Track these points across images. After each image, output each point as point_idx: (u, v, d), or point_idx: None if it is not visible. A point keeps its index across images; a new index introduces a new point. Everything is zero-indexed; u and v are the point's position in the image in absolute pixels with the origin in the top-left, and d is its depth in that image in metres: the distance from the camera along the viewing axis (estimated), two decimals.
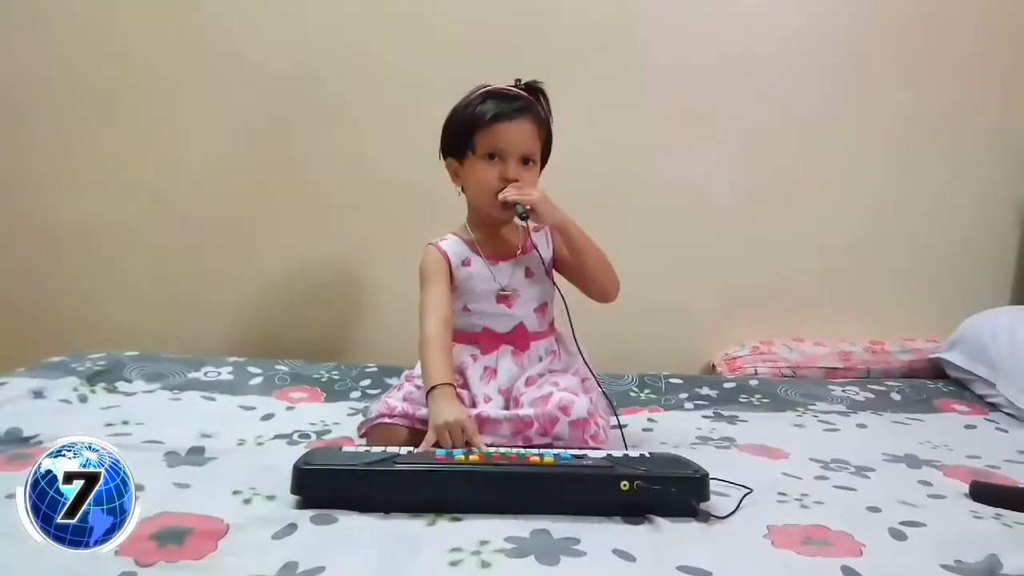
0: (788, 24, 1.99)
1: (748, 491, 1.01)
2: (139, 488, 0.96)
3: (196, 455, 1.14)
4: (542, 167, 1.32)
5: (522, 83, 1.30)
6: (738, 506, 0.97)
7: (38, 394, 1.39)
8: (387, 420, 1.19)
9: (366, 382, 1.67)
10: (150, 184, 2.04)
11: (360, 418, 1.34)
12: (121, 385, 1.53)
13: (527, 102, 1.27)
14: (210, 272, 2.06)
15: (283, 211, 2.04)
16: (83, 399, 1.43)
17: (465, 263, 1.30)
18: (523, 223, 1.26)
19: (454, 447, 1.05)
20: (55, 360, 1.60)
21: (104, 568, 0.78)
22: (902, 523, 0.95)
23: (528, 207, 1.21)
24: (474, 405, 1.21)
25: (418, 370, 1.26)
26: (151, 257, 2.06)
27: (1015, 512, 1.01)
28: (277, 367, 1.70)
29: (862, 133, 2.02)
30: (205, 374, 1.63)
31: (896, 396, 1.67)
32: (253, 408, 1.45)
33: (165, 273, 2.07)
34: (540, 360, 1.30)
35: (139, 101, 2.03)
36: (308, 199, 2.04)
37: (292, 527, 0.88)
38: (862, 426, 1.47)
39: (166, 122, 2.03)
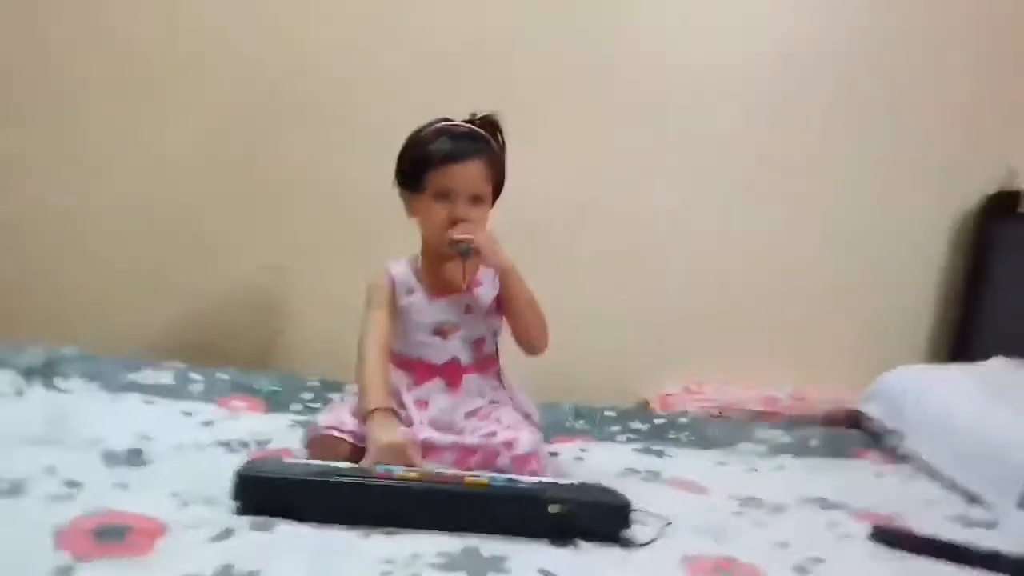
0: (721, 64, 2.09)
1: (668, 522, 1.07)
2: (76, 485, 0.98)
3: (134, 456, 1.15)
4: (495, 200, 1.36)
5: (478, 117, 1.34)
6: (657, 535, 1.03)
7: None
8: (336, 434, 1.21)
9: (308, 395, 1.68)
10: (109, 176, 2.03)
11: (300, 430, 1.36)
12: (58, 381, 1.52)
13: (480, 141, 1.31)
14: (156, 268, 2.04)
15: (239, 213, 2.04)
16: (19, 393, 1.42)
17: (409, 291, 1.35)
18: (464, 259, 1.29)
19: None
20: None
21: (42, 561, 0.79)
22: (807, 559, 1.02)
23: (471, 247, 1.26)
24: (410, 426, 1.24)
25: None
26: (99, 245, 2.04)
27: (913, 555, 1.09)
28: (218, 375, 1.70)
29: (791, 175, 2.12)
30: (144, 377, 1.62)
31: (815, 442, 1.75)
32: (192, 414, 1.46)
33: (111, 263, 2.04)
34: (480, 394, 1.34)
35: (113, 90, 2.01)
36: (266, 204, 2.04)
37: (229, 531, 0.91)
38: (781, 468, 1.55)
39: (136, 113, 2.03)
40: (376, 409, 1.19)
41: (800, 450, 1.69)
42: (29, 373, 1.50)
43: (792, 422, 1.95)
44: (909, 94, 2.12)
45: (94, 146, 2.04)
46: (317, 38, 2.02)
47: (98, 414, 1.36)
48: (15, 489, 0.96)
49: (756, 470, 1.50)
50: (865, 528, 1.18)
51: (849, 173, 2.13)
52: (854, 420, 1.94)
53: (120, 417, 1.38)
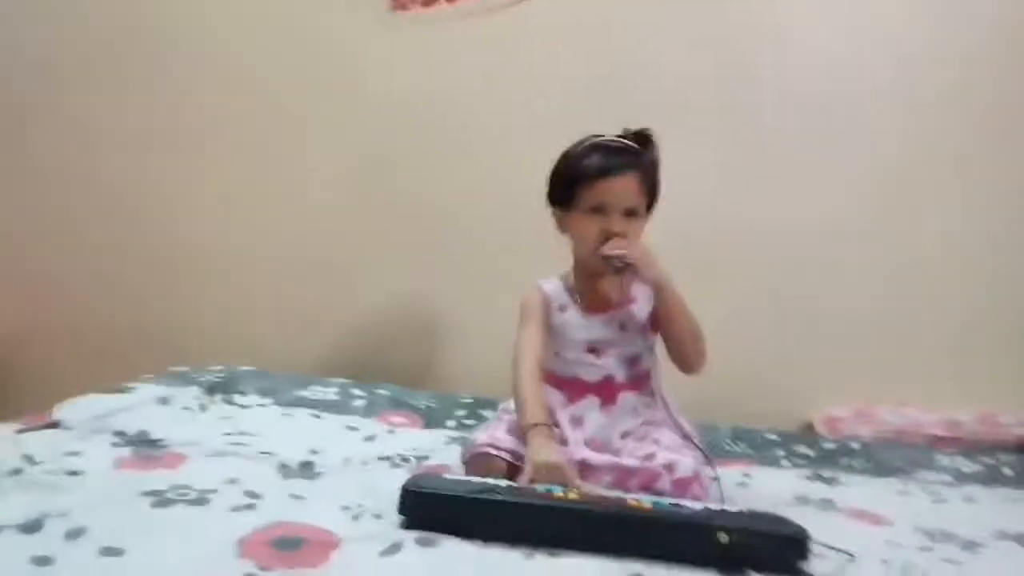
0: (873, 64, 1.97)
1: (851, 556, 0.99)
2: (256, 496, 1.04)
3: (307, 469, 1.21)
4: (649, 213, 1.33)
5: (631, 132, 1.32)
6: (839, 570, 0.95)
7: (164, 401, 1.50)
8: (492, 452, 1.22)
9: (461, 412, 1.71)
10: (267, 212, 2.19)
11: (457, 447, 1.38)
12: (237, 397, 1.63)
13: (633, 155, 1.28)
14: (318, 296, 2.18)
15: (391, 242, 2.15)
16: (203, 408, 1.53)
17: (562, 309, 1.33)
18: (619, 275, 1.27)
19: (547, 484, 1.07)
20: (179, 370, 1.71)
21: (228, 569, 0.83)
22: None
23: (626, 262, 1.23)
24: (565, 444, 1.23)
25: (512, 404, 1.29)
26: (261, 280, 2.20)
27: None
28: (378, 391, 1.77)
29: (976, 178, 1.94)
30: (312, 392, 1.71)
31: (1008, 471, 1.60)
32: (357, 429, 1.52)
33: (273, 295, 2.19)
34: (635, 413, 1.31)
35: (263, 132, 2.19)
36: (416, 232, 2.13)
37: (397, 546, 0.92)
38: (970, 500, 1.41)
39: (286, 154, 2.18)
40: (536, 424, 1.18)
41: (991, 479, 1.54)
42: (211, 389, 1.62)
43: (977, 448, 1.78)
44: None
45: (249, 187, 2.21)
46: (449, 69, 2.10)
47: (273, 428, 1.45)
48: (202, 499, 1.03)
49: (944, 501, 1.37)
50: None
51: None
52: None
53: (292, 430, 1.46)
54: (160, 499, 1.01)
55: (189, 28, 2.22)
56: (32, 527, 0.88)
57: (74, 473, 1.08)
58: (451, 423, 1.64)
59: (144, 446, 1.24)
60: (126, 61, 2.26)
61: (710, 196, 1.97)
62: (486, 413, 1.64)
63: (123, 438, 1.26)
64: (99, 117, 2.28)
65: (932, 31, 1.95)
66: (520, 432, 1.21)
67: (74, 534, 0.87)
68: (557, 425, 1.26)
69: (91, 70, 2.27)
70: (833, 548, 0.99)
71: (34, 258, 2.31)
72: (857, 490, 1.39)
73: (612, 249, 1.25)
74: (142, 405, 1.45)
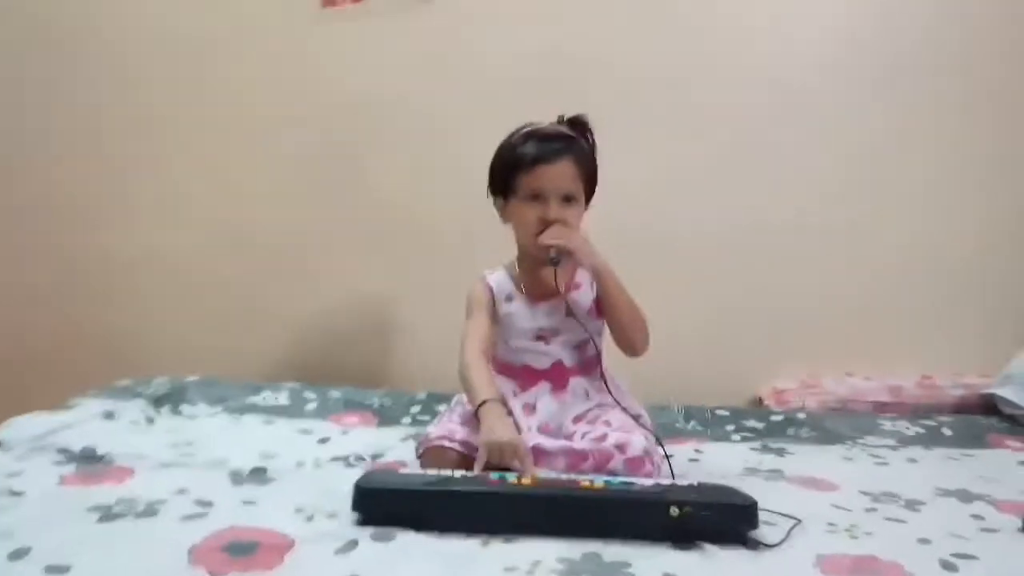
0: (835, 55, 2.00)
1: (797, 521, 1.02)
2: (207, 504, 1.03)
3: (259, 475, 1.19)
4: (588, 201, 1.34)
5: (565, 119, 1.33)
6: (787, 535, 0.98)
7: (109, 415, 1.47)
8: (447, 444, 1.22)
9: (416, 408, 1.71)
10: (213, 215, 2.15)
11: (412, 443, 1.38)
12: (185, 408, 1.60)
13: (568, 142, 1.29)
14: (265, 298, 2.15)
15: (338, 242, 2.13)
16: (150, 420, 1.50)
17: (508, 298, 1.35)
18: (555, 266, 1.27)
19: (503, 466, 1.08)
20: (124, 384, 1.68)
21: None
22: (953, 555, 0.95)
23: (564, 251, 1.24)
24: (519, 432, 1.24)
25: (465, 396, 1.29)
26: (212, 282, 2.17)
27: None
28: (331, 393, 1.75)
29: (909, 162, 2.00)
30: (263, 398, 1.69)
31: (947, 431, 1.65)
32: (310, 432, 1.50)
33: (223, 298, 2.16)
34: (586, 396, 1.32)
35: (208, 132, 2.15)
36: (365, 231, 2.12)
37: (353, 543, 0.92)
38: (912, 460, 1.46)
39: (230, 153, 2.15)
40: (485, 401, 1.17)
41: (932, 440, 1.59)
42: (158, 401, 1.59)
43: (919, 412, 1.85)
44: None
45: (190, 186, 2.18)
46: (399, 65, 2.08)
47: (223, 436, 1.43)
48: (150, 510, 1.01)
49: (887, 463, 1.42)
50: (1015, 520, 1.09)
51: (971, 152, 1.99)
52: (989, 406, 1.82)
53: (243, 438, 1.44)
54: (106, 513, 0.99)
55: (131, 28, 2.18)
56: None
57: (16, 493, 1.05)
58: (406, 420, 1.63)
59: (89, 462, 1.22)
60: (70, 64, 2.20)
61: (659, 186, 2.00)
62: (441, 408, 1.63)
63: (67, 455, 1.23)
64: (32, 120, 2.22)
65: (898, 22, 1.98)
66: (472, 418, 1.21)
67: (18, 554, 0.86)
68: (510, 414, 1.27)
69: (33, 72, 2.22)
70: (781, 514, 1.02)
71: None
72: (805, 459, 1.42)
73: (548, 238, 1.26)
74: (86, 421, 1.41)
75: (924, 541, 1.00)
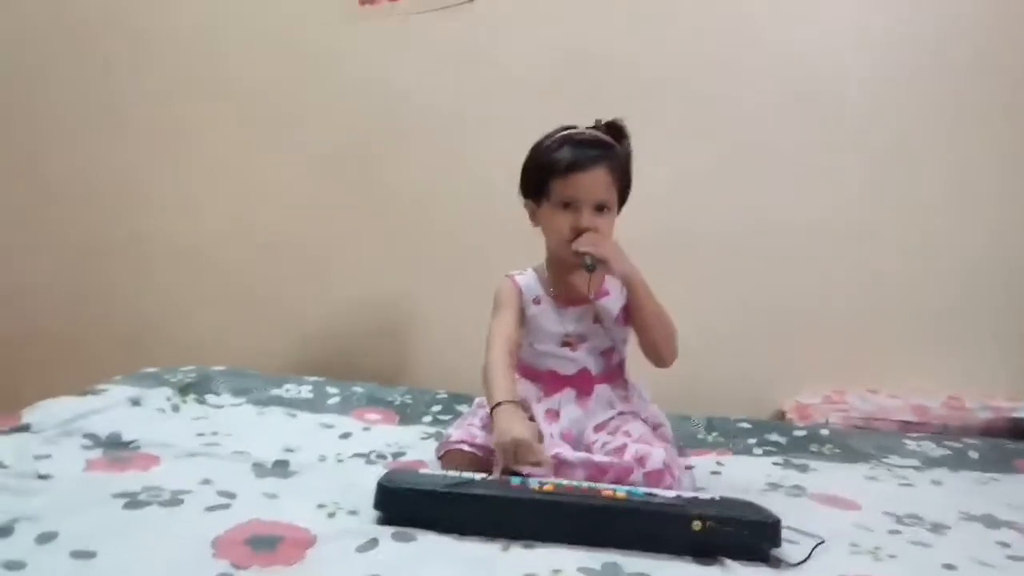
0: (854, 59, 1.98)
1: (820, 540, 1.01)
2: (231, 496, 1.03)
3: (281, 468, 1.20)
4: (621, 206, 1.34)
5: (603, 123, 1.31)
6: (810, 554, 0.97)
7: (135, 402, 1.48)
8: (466, 448, 1.22)
9: (437, 408, 1.71)
10: (240, 210, 2.17)
11: (433, 442, 1.38)
12: (210, 398, 1.61)
13: (604, 148, 1.28)
14: (293, 294, 2.17)
15: (360, 239, 2.14)
16: (176, 408, 1.51)
17: (536, 301, 1.34)
18: (590, 272, 1.26)
19: (516, 464, 1.07)
20: (150, 371, 1.69)
21: (204, 569, 0.83)
22: None
23: (596, 258, 1.23)
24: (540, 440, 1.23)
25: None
26: (234, 276, 2.19)
27: None
28: (353, 388, 1.76)
29: (939, 170, 1.96)
30: (287, 391, 1.70)
31: (973, 454, 1.62)
32: (332, 426, 1.51)
33: (246, 292, 2.18)
34: (609, 405, 1.31)
35: (236, 128, 2.18)
36: (390, 228, 2.13)
37: (374, 542, 0.92)
38: (937, 483, 1.44)
39: (253, 149, 2.17)
40: (499, 404, 1.16)
41: (958, 463, 1.57)
42: (184, 390, 1.60)
43: (945, 432, 1.82)
44: None
45: (215, 182, 2.21)
46: (422, 63, 2.09)
47: (247, 427, 1.44)
48: (175, 499, 1.02)
49: (911, 484, 1.40)
50: None
51: (1002, 163, 1.95)
52: (1018, 430, 1.79)
53: (266, 430, 1.45)
54: (132, 501, 1.00)
55: (160, 23, 2.20)
56: (2, 532, 0.88)
57: (44, 477, 1.07)
58: (427, 419, 1.64)
59: (115, 448, 1.23)
60: (95, 57, 2.23)
61: (684, 191, 1.98)
62: (462, 408, 1.64)
63: (94, 440, 1.25)
64: (67, 113, 2.25)
65: (912, 27, 1.96)
66: (491, 420, 1.21)
67: (45, 538, 0.87)
68: (532, 420, 1.26)
69: (59, 66, 2.24)
70: (803, 533, 1.01)
71: None
72: (827, 476, 1.41)
73: (582, 245, 1.25)
74: (113, 407, 1.42)
75: (949, 567, 0.99)
